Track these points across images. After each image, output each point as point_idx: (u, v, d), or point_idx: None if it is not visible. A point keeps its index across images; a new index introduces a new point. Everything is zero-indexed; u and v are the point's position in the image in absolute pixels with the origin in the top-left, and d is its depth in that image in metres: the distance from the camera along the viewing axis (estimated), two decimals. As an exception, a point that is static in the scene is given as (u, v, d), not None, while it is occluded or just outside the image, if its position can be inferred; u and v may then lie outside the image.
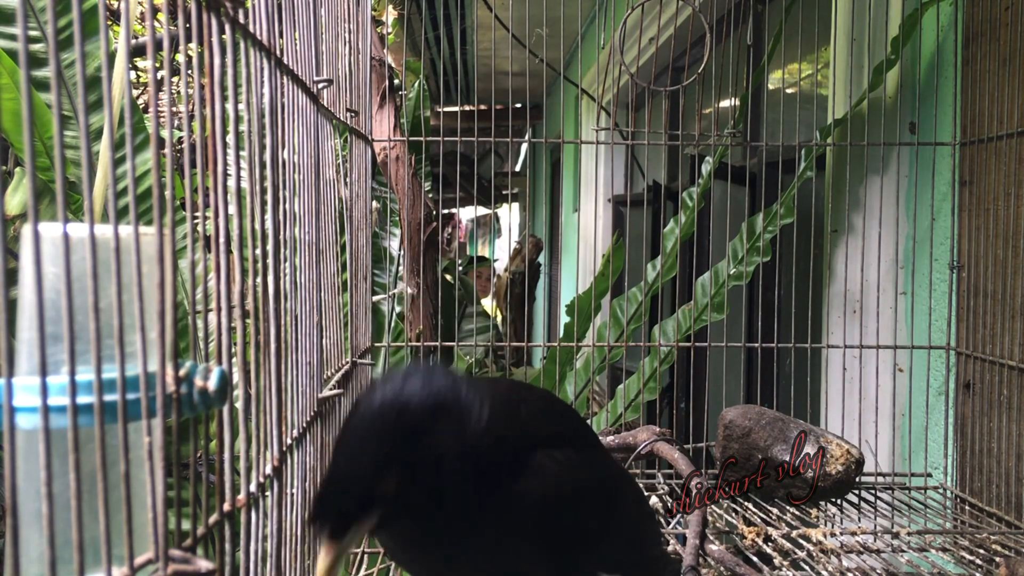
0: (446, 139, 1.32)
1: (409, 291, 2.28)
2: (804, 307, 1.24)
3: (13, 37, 1.51)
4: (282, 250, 0.57)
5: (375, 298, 2.11)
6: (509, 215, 8.26)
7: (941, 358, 1.18)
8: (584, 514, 0.50)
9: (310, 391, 0.69)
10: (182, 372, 0.37)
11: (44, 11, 1.50)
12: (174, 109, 2.34)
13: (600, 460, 0.54)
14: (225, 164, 0.43)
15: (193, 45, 0.42)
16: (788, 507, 1.04)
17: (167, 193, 1.26)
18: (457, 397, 0.45)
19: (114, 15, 2.68)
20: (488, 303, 3.81)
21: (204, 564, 0.36)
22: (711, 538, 0.91)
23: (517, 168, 7.01)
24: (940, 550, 0.95)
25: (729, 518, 1.01)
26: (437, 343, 1.33)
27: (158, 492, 0.35)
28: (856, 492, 1.12)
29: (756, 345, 1.28)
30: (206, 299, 0.62)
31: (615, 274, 1.68)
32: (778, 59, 1.60)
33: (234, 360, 0.46)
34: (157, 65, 0.36)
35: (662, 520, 1.01)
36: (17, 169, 1.62)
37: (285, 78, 0.60)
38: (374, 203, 2.44)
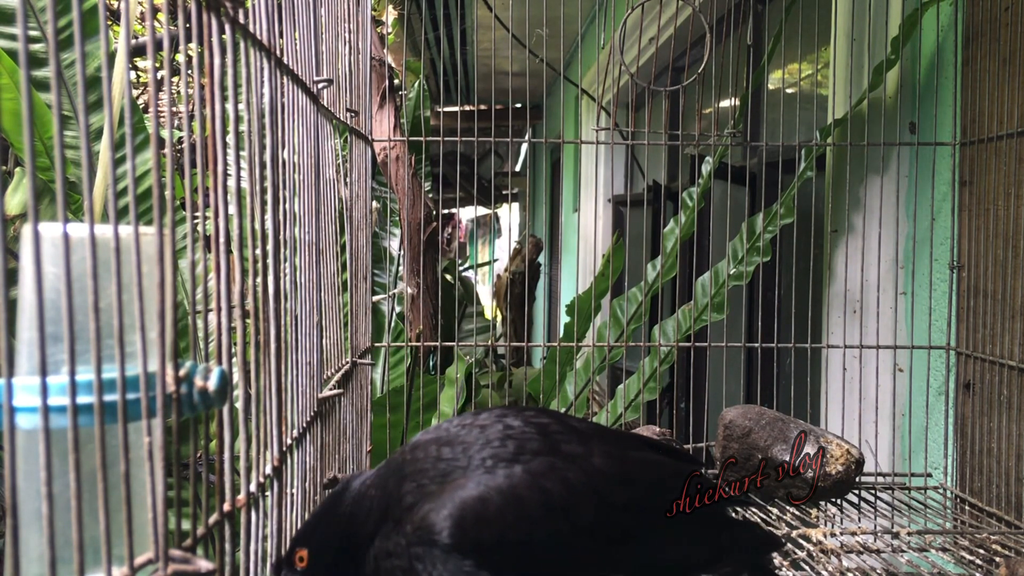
0: (446, 139, 1.32)
1: (409, 291, 2.28)
2: (804, 307, 1.24)
3: (13, 37, 1.51)
4: (282, 250, 0.57)
5: (375, 298, 2.11)
6: (509, 215, 8.26)
7: (941, 358, 1.18)
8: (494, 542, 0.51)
9: (310, 391, 0.69)
10: (182, 372, 0.37)
11: (44, 11, 1.50)
12: (174, 109, 2.34)
13: (537, 477, 0.53)
14: (225, 164, 0.43)
15: (193, 45, 0.42)
16: (788, 507, 1.04)
17: (167, 193, 1.26)
18: (349, 502, 0.57)
19: (114, 15, 2.68)
20: (488, 303, 3.82)
21: (204, 564, 0.36)
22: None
23: (517, 168, 7.01)
24: (940, 550, 0.95)
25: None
26: (437, 343, 1.32)
27: (158, 492, 0.35)
28: (856, 492, 1.12)
29: (756, 345, 1.28)
30: (206, 299, 0.62)
31: (615, 274, 1.68)
32: (778, 59, 1.61)
33: (234, 360, 0.46)
34: (157, 65, 0.36)
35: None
36: (17, 169, 1.62)
37: (285, 78, 0.60)
38: (374, 203, 2.44)
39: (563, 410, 1.70)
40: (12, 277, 0.38)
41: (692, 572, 0.59)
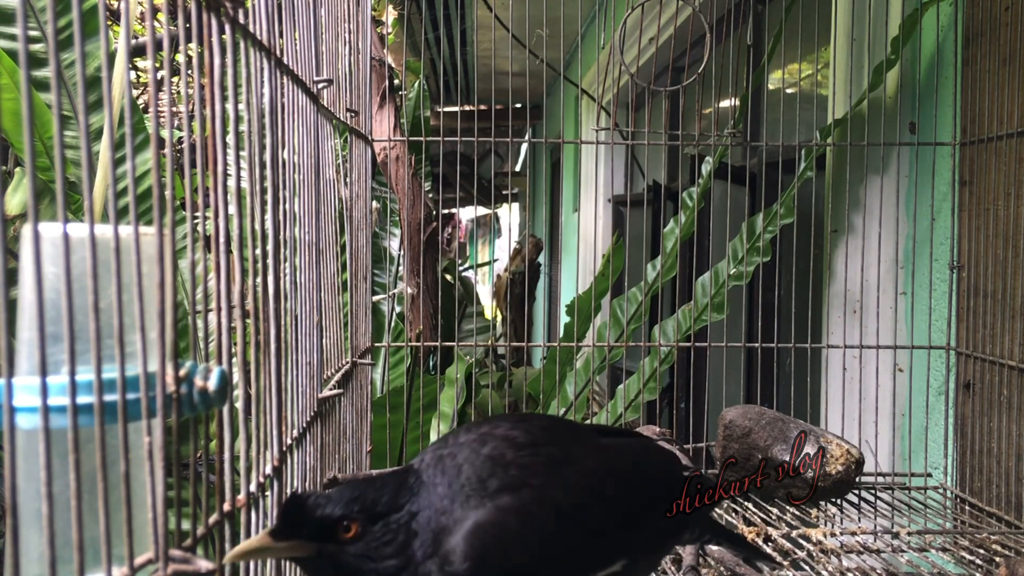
0: (446, 139, 1.32)
1: (409, 291, 2.28)
2: (804, 307, 1.24)
3: (13, 37, 1.51)
4: (282, 250, 0.57)
5: (375, 298, 2.11)
6: (509, 215, 8.26)
7: (941, 358, 1.18)
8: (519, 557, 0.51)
9: (310, 391, 0.69)
10: (182, 372, 0.37)
11: (44, 11, 1.50)
12: (174, 109, 2.34)
13: (548, 495, 0.54)
14: (225, 164, 0.43)
15: (193, 45, 0.42)
16: (788, 507, 1.04)
17: (167, 193, 1.26)
18: (418, 485, 0.52)
19: (114, 15, 2.68)
20: (488, 303, 3.82)
21: (204, 564, 0.36)
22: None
23: (517, 168, 7.01)
24: (940, 550, 0.95)
25: (729, 518, 1.01)
26: (437, 343, 1.32)
27: (158, 492, 0.35)
28: (856, 492, 1.12)
29: (756, 345, 1.28)
30: (206, 299, 0.62)
31: (615, 274, 1.68)
32: (778, 59, 1.60)
33: (234, 360, 0.46)
34: (157, 65, 0.36)
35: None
36: (17, 169, 1.62)
37: (285, 78, 0.60)
38: (374, 203, 2.44)
39: (563, 410, 1.70)
40: (12, 277, 0.38)
41: (671, 539, 0.63)
